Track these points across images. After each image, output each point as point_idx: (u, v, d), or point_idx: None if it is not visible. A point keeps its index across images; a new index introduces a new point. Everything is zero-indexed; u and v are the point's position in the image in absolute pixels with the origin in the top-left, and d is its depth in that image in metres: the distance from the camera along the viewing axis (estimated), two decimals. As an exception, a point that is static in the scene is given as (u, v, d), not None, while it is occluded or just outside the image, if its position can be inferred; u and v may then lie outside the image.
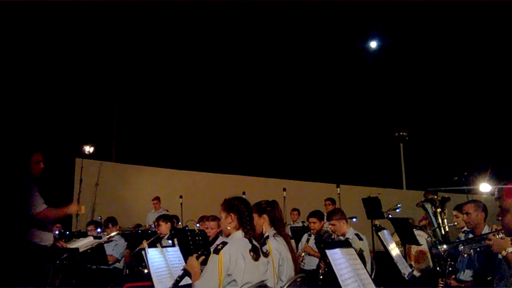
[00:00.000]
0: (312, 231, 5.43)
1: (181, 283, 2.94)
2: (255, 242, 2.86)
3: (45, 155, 4.11)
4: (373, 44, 14.99)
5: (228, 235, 2.94)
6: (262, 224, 3.67)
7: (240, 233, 2.87)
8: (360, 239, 4.61)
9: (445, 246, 3.33)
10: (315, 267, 5.15)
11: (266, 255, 2.94)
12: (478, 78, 13.55)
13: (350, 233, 4.73)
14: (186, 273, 2.88)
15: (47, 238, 3.95)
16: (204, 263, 2.84)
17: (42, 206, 3.83)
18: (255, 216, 3.63)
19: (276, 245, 3.48)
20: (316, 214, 5.51)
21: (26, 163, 3.98)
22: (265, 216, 3.68)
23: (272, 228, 3.66)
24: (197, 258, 2.85)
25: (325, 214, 7.99)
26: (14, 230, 3.65)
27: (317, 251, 4.99)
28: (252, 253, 2.78)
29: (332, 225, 4.88)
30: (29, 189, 3.84)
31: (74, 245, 4.89)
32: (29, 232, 3.79)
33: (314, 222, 5.40)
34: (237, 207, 2.92)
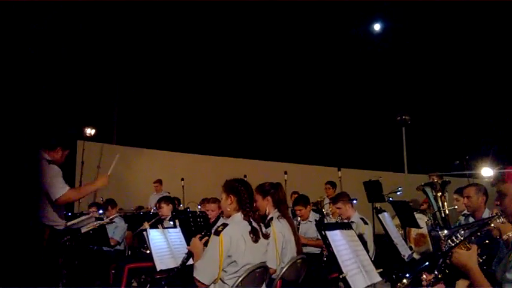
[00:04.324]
0: (299, 218, 5.10)
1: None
2: (254, 224, 2.87)
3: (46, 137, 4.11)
4: (376, 27, 14.77)
5: (228, 216, 2.96)
6: (266, 205, 3.70)
7: (239, 215, 2.87)
8: (365, 223, 4.62)
9: (445, 231, 3.33)
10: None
11: (266, 236, 2.95)
12: (482, 62, 13.42)
13: (355, 217, 4.74)
14: (190, 254, 2.95)
15: (61, 221, 3.96)
16: (207, 243, 2.86)
17: (63, 189, 3.81)
18: (259, 197, 3.67)
19: (280, 228, 3.52)
20: (301, 200, 5.17)
21: (53, 150, 4.02)
22: (268, 198, 3.71)
23: (276, 210, 3.69)
24: (200, 239, 2.89)
25: (325, 197, 8.07)
26: (29, 213, 3.61)
27: (310, 238, 4.96)
28: (251, 235, 2.79)
29: (338, 208, 4.87)
30: (50, 174, 3.81)
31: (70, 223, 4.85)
32: (44, 215, 3.76)
33: (300, 210, 5.08)
34: (237, 189, 2.92)
